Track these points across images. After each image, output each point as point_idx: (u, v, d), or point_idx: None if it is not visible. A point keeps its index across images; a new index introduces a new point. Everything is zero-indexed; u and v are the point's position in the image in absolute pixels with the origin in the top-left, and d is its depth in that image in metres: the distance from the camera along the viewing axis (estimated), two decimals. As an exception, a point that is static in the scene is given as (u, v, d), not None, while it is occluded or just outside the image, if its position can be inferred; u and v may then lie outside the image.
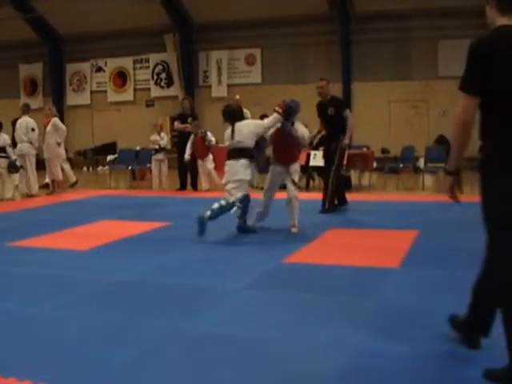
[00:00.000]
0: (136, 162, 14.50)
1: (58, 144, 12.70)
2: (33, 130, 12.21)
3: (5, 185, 11.73)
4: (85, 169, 21.40)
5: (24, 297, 4.76)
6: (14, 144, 12.35)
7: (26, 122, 12.28)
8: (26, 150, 12.19)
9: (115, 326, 3.99)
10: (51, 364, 3.35)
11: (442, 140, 18.05)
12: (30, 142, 12.22)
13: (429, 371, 3.17)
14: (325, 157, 9.70)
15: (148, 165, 13.98)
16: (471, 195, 11.23)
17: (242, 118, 7.70)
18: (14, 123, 13.37)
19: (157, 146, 13.43)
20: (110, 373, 3.23)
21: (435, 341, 3.57)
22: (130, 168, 14.57)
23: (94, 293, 4.86)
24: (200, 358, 3.42)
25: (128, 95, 22.34)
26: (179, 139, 13.29)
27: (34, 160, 12.40)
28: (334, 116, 9.18)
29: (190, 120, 12.87)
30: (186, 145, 12.84)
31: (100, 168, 20.76)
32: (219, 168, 18.87)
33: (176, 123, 13.18)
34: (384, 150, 18.12)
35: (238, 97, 13.61)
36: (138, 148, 15.36)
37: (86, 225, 7.61)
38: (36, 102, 21.93)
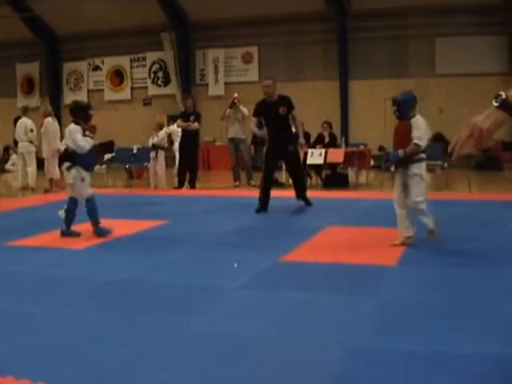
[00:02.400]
0: (133, 161, 14.48)
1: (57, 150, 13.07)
2: (31, 130, 13.42)
3: None
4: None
5: (21, 296, 4.76)
6: (15, 143, 13.82)
7: (24, 122, 13.55)
8: (25, 149, 13.49)
9: (112, 325, 3.99)
10: (49, 363, 3.35)
11: (439, 138, 18.07)
12: (30, 141, 13.47)
13: (427, 370, 3.17)
14: (282, 158, 9.46)
15: (145, 163, 13.98)
16: (469, 193, 11.27)
17: (85, 119, 7.37)
18: (15, 122, 13.94)
19: (150, 145, 13.40)
20: (108, 371, 3.23)
21: (433, 339, 3.58)
22: (127, 167, 14.56)
23: (91, 291, 4.86)
24: (197, 357, 3.42)
25: (125, 94, 22.35)
26: (182, 137, 13.30)
27: (33, 157, 13.59)
28: (285, 115, 9.09)
29: (192, 118, 12.91)
30: (188, 143, 12.90)
31: (97, 167, 20.70)
32: (213, 167, 18.95)
33: (178, 121, 13.22)
34: (381, 148, 18.13)
35: (236, 95, 13.61)
36: (134, 148, 15.27)
37: (83, 224, 7.59)
38: (33, 101, 21.96)
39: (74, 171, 7.25)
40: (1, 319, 4.15)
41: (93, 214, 7.28)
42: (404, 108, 6.37)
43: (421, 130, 6.26)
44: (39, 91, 23.26)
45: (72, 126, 7.29)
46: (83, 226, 7.55)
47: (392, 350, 3.42)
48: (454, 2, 17.29)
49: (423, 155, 6.30)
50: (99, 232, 7.25)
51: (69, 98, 22.84)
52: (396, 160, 6.31)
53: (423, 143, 6.26)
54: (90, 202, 7.27)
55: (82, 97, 22.74)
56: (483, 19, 17.45)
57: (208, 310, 4.30)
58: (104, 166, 16.48)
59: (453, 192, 11.77)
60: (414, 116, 6.30)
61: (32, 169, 13.52)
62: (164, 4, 20.02)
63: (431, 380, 3.06)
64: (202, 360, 3.38)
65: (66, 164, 7.30)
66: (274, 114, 9.03)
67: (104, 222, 7.60)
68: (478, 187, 12.48)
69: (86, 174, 7.28)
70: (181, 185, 12.98)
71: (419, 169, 6.27)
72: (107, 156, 16.82)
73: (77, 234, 7.30)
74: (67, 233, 7.30)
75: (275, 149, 9.09)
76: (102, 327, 3.96)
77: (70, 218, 7.31)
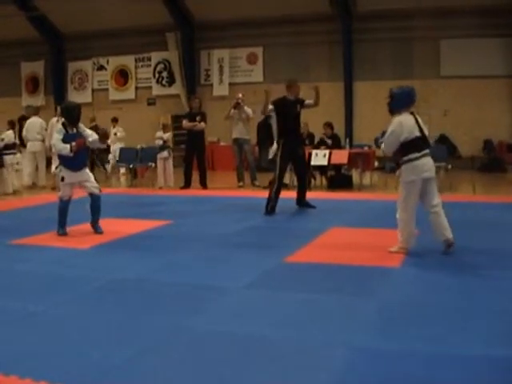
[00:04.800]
0: (138, 161, 14.48)
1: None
2: (46, 129, 13.65)
3: (7, 180, 12.14)
4: (86, 167, 21.44)
5: (24, 295, 4.77)
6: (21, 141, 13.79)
7: (40, 122, 13.91)
8: (38, 148, 13.78)
9: (116, 324, 3.99)
10: (52, 362, 3.35)
11: (443, 139, 18.05)
12: (42, 140, 13.69)
13: (429, 371, 3.17)
14: (292, 160, 9.42)
15: (150, 163, 14.02)
16: (472, 195, 11.24)
17: (70, 119, 7.36)
18: (19, 122, 13.91)
19: (161, 142, 13.38)
20: (111, 370, 3.23)
21: (436, 340, 3.58)
22: (131, 166, 14.56)
23: (94, 291, 4.86)
24: (200, 356, 3.43)
25: (129, 94, 22.33)
26: (188, 137, 13.32)
27: (44, 156, 13.98)
28: (298, 114, 9.38)
29: (198, 118, 12.93)
30: (194, 143, 12.95)
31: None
32: (217, 167, 18.95)
33: (184, 122, 13.22)
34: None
35: (240, 95, 13.60)
36: (138, 147, 15.25)
37: (87, 223, 7.61)
38: (38, 100, 21.97)
39: (58, 170, 7.40)
40: (4, 318, 4.16)
41: (58, 214, 7.38)
42: (393, 102, 6.01)
43: (388, 132, 5.97)
44: (44, 90, 23.27)
45: (57, 124, 7.56)
46: (89, 226, 7.56)
47: (395, 351, 3.42)
48: (458, 4, 17.25)
49: (408, 156, 5.85)
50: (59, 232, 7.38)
51: (73, 97, 22.87)
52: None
53: (383, 147, 6.07)
54: (60, 202, 7.35)
55: (86, 96, 22.79)
56: (488, 21, 17.41)
57: (212, 310, 4.30)
58: (109, 166, 16.50)
59: (457, 194, 11.73)
60: (398, 114, 5.94)
61: (43, 167, 13.89)
62: (169, 4, 20.02)
63: (434, 381, 3.06)
64: (205, 359, 3.38)
65: (57, 163, 7.41)
66: (293, 112, 9.25)
67: (108, 222, 7.62)
68: (482, 189, 12.45)
69: (68, 175, 7.31)
70: (187, 185, 12.99)
71: (401, 171, 5.94)
72: (111, 156, 16.85)
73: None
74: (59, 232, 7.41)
75: (288, 152, 9.14)
76: (106, 327, 3.96)
77: (59, 218, 7.40)
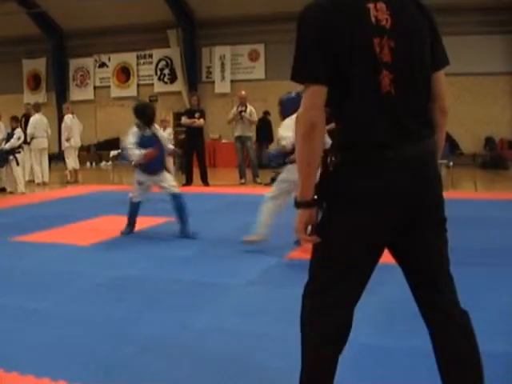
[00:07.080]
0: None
1: (66, 140, 14.36)
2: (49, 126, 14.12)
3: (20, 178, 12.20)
4: (88, 164, 21.41)
5: (26, 292, 4.78)
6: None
7: (45, 119, 14.10)
8: (47, 145, 13.97)
9: (117, 321, 4.00)
10: (53, 359, 3.36)
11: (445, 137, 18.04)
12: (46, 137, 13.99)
13: (432, 367, 3.17)
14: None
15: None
16: (473, 192, 11.23)
17: (145, 120, 6.99)
18: (20, 119, 13.91)
19: None
20: (112, 367, 3.24)
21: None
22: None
23: (95, 288, 4.87)
24: (201, 354, 3.43)
25: (131, 91, 22.32)
26: (187, 134, 13.34)
27: (47, 153, 14.23)
28: None
29: (197, 115, 12.94)
30: (193, 140, 12.96)
31: (103, 163, 20.77)
32: (218, 164, 18.95)
33: (183, 118, 13.23)
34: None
35: (243, 93, 13.61)
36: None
37: (88, 220, 7.62)
38: (39, 97, 21.97)
39: (135, 173, 7.19)
40: (6, 315, 4.17)
41: (128, 215, 7.22)
42: (283, 109, 6.20)
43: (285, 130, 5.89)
44: (46, 87, 23.27)
45: (133, 127, 7.07)
46: (90, 223, 7.57)
47: (396, 347, 3.42)
48: (458, 2, 17.22)
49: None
50: (123, 231, 7.24)
51: (75, 94, 22.89)
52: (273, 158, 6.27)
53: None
54: (130, 204, 7.16)
55: (88, 93, 22.80)
56: (488, 18, 17.38)
57: (214, 307, 4.31)
58: (110, 163, 16.51)
59: (458, 191, 11.73)
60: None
61: (46, 163, 14.04)
62: (170, 1, 20.01)
63: (436, 377, 3.06)
64: (207, 356, 3.38)
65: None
66: None
67: (110, 219, 7.62)
68: (484, 186, 12.44)
69: (144, 178, 7.08)
70: (189, 182, 13.00)
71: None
72: (113, 152, 16.85)
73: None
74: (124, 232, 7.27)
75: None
76: (108, 323, 3.97)
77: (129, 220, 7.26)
